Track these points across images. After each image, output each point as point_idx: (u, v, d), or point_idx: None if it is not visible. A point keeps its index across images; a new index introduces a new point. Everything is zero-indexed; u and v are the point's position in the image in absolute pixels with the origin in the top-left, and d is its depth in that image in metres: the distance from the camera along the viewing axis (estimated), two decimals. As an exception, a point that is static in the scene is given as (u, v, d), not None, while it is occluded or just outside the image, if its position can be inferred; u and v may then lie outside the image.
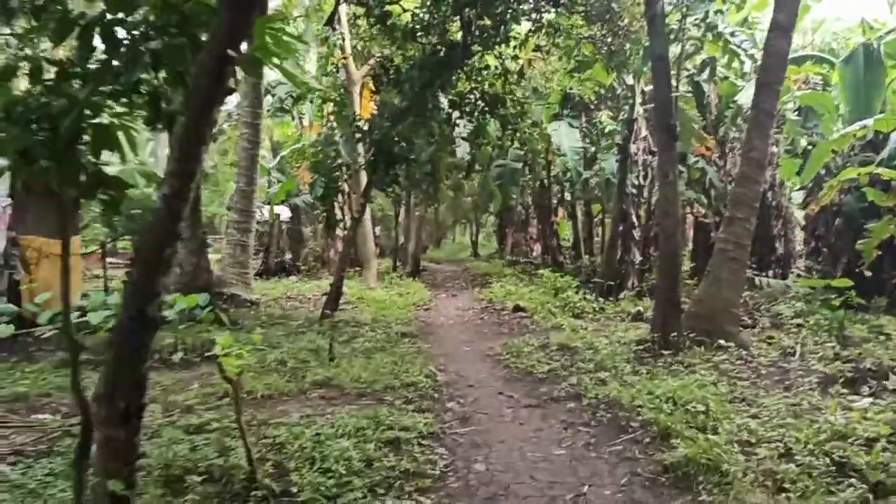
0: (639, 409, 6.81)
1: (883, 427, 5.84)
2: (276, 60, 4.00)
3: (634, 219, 17.45)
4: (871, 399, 7.22)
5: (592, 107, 22.11)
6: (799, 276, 20.58)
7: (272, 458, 5.56)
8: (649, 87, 18.17)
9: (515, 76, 14.66)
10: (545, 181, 25.63)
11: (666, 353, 9.97)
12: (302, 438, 5.80)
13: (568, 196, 27.86)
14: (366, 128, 13.22)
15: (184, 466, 5.15)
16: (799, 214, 21.67)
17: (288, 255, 27.27)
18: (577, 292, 17.28)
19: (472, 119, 14.96)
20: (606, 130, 20.64)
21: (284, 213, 28.62)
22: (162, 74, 3.90)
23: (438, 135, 21.75)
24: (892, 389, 7.65)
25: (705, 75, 18.52)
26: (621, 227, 17.35)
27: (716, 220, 20.41)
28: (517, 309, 16.08)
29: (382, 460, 5.51)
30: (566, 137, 20.98)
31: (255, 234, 28.56)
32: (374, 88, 14.90)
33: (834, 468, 5.23)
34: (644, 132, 17.82)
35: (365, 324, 13.17)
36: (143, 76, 3.87)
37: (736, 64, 19.84)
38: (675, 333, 10.28)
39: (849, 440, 5.67)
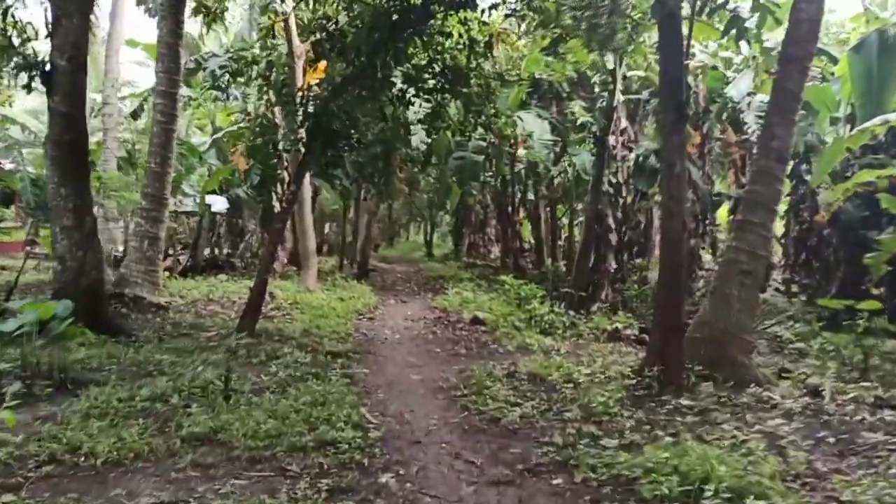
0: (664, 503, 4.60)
1: None
2: None
3: (611, 221, 15.37)
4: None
5: (564, 95, 20.00)
6: (777, 290, 18.81)
7: None
8: (632, 73, 16.14)
9: (482, 49, 12.38)
10: (506, 177, 23.47)
11: (667, 390, 7.84)
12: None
13: (531, 195, 25.76)
14: (301, 100, 10.82)
15: None
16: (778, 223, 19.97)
17: (226, 251, 24.65)
18: (542, 303, 15.16)
19: (429, 98, 12.66)
20: (579, 122, 18.50)
21: (220, 203, 25.92)
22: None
23: (391, 116, 19.48)
24: None
25: (699, 59, 16.54)
26: (596, 230, 15.24)
27: (705, 225, 18.58)
28: (476, 321, 13.85)
29: None
30: (535, 128, 18.84)
31: (188, 227, 26.05)
32: (314, 56, 12.47)
33: None
34: (624, 123, 15.75)
35: (291, 338, 10.78)
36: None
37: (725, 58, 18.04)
38: (677, 366, 8.16)
39: None
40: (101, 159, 20.79)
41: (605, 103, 15.48)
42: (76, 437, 5.42)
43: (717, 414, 6.96)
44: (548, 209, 26.19)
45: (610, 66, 15.36)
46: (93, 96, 21.08)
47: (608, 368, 9.18)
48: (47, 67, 9.53)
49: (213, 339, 10.37)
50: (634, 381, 8.29)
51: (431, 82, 12.42)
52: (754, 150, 14.77)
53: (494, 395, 7.65)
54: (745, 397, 7.61)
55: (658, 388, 7.89)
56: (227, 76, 18.85)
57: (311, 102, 10.72)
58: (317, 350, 10.08)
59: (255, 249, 22.78)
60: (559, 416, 6.99)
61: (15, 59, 9.48)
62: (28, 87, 9.59)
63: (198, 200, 23.56)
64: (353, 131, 10.58)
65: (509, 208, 24.51)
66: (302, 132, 11.82)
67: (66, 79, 9.46)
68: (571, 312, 14.06)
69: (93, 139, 21.55)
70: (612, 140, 15.36)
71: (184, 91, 24.74)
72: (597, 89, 18.79)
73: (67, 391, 6.94)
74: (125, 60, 40.14)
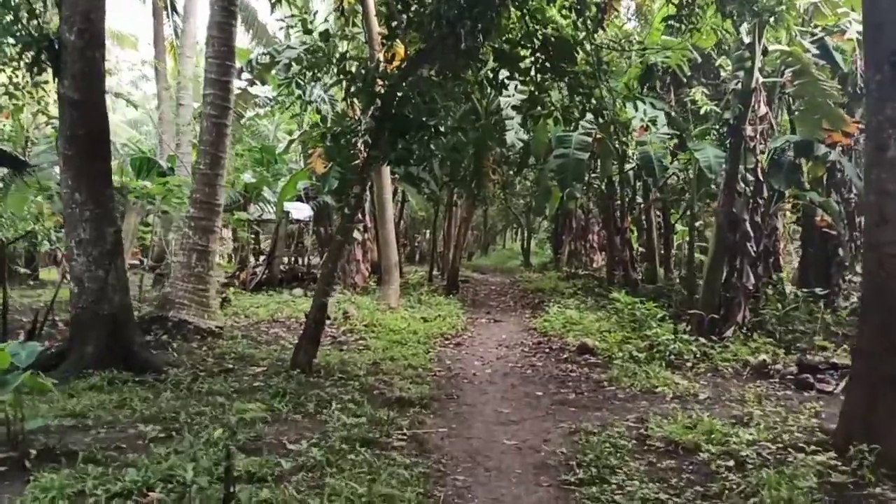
0: None
1: None
2: None
3: (748, 227, 12.59)
4: None
5: (684, 80, 17.32)
6: None
7: None
8: (773, 47, 13.31)
9: (595, 14, 9.97)
10: (613, 177, 20.81)
11: (886, 483, 5.24)
12: None
13: (639, 197, 22.97)
14: (366, 78, 8.70)
15: None
16: None
17: (310, 262, 23.06)
18: (662, 325, 12.59)
19: (526, 80, 10.36)
20: (702, 111, 15.76)
21: (304, 211, 24.34)
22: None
23: (480, 105, 17.19)
24: None
25: (849, 34, 13.57)
26: (730, 238, 12.49)
27: (854, 233, 15.48)
28: (584, 350, 11.42)
29: None
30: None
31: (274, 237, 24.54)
32: (385, 33, 10.34)
33: None
34: (763, 108, 12.96)
35: (355, 376, 8.67)
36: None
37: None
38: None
39: None
40: (176, 165, 19.49)
41: (740, 84, 12.72)
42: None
43: None
44: (659, 214, 23.37)
45: (747, 38, 12.61)
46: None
47: (779, 432, 6.61)
48: (55, 45, 7.76)
49: (260, 378, 8.37)
50: (826, 459, 5.69)
51: (529, 60, 10.14)
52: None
53: (623, 484, 5.26)
54: None
55: (872, 477, 5.29)
56: (303, 71, 17.04)
57: (379, 83, 8.60)
58: (384, 395, 7.93)
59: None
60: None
61: (17, 35, 7.73)
62: (33, 68, 7.81)
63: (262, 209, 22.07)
64: (429, 118, 8.37)
65: (617, 213, 21.85)
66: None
67: (76, 57, 7.69)
68: (701, 339, 11.42)
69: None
70: (749, 130, 12.61)
71: (264, 90, 23.45)
72: (724, 73, 16.03)
73: (25, 470, 5.01)
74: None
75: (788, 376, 9.58)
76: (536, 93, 10.62)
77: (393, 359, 10.12)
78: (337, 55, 9.96)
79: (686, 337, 11.37)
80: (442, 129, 8.48)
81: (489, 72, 10.48)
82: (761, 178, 12.81)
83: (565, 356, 11.22)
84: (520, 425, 7.12)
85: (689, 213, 18.55)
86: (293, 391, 7.70)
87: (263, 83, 19.72)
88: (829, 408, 7.91)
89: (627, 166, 19.47)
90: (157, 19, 24.46)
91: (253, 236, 23.61)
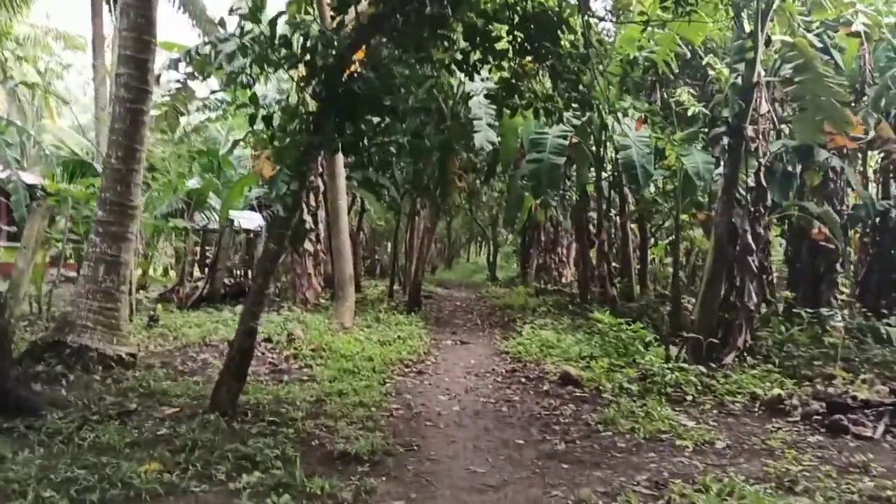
0: None
1: None
2: None
3: (750, 239, 11.12)
4: None
5: (672, 79, 15.99)
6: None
7: None
8: (777, 37, 11.91)
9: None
10: (587, 186, 19.32)
11: None
12: None
13: (614, 209, 21.57)
14: (308, 49, 6.98)
15: None
16: None
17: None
18: (649, 348, 11.11)
19: (501, 64, 8.76)
20: (690, 113, 14.37)
21: (251, 220, 22.43)
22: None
23: (447, 106, 15.60)
24: None
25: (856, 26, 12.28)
26: (734, 253, 11.01)
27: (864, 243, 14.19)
28: (567, 380, 9.80)
29: None
30: (632, 123, 14.82)
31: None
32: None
33: None
34: (765, 106, 11.55)
35: (290, 420, 6.89)
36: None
37: None
38: None
39: None
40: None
41: (740, 78, 11.29)
42: None
43: None
44: (635, 225, 22.00)
45: (748, 27, 11.21)
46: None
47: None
48: None
49: (167, 424, 6.55)
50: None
51: (506, 40, 8.58)
52: None
53: None
54: None
55: None
56: (250, 65, 15.22)
57: (323, 56, 6.90)
58: (324, 447, 6.19)
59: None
60: None
61: None
62: None
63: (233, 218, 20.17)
64: (384, 97, 6.69)
65: (591, 225, 20.37)
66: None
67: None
68: (699, 367, 9.88)
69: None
70: (750, 130, 11.17)
71: (216, 92, 21.60)
72: (711, 72, 14.65)
73: None
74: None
75: (814, 416, 8.04)
76: (513, 80, 9.05)
77: (342, 393, 8.36)
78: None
79: (684, 365, 9.83)
80: (399, 110, 6.77)
81: (459, 52, 8.84)
82: (763, 183, 11.38)
83: (545, 388, 9.57)
84: (500, 493, 5.42)
85: (671, 224, 17.13)
86: (206, 444, 5.92)
87: (206, 77, 17.84)
88: (878, 459, 6.40)
89: (605, 173, 18.02)
90: (98, 17, 22.67)
91: (197, 247, 21.70)
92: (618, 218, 20.75)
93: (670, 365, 9.82)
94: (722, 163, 13.10)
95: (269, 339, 11.69)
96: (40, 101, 30.99)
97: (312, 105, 7.82)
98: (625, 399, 8.66)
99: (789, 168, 13.95)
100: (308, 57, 7.05)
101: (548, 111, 9.10)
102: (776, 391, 8.94)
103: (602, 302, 17.10)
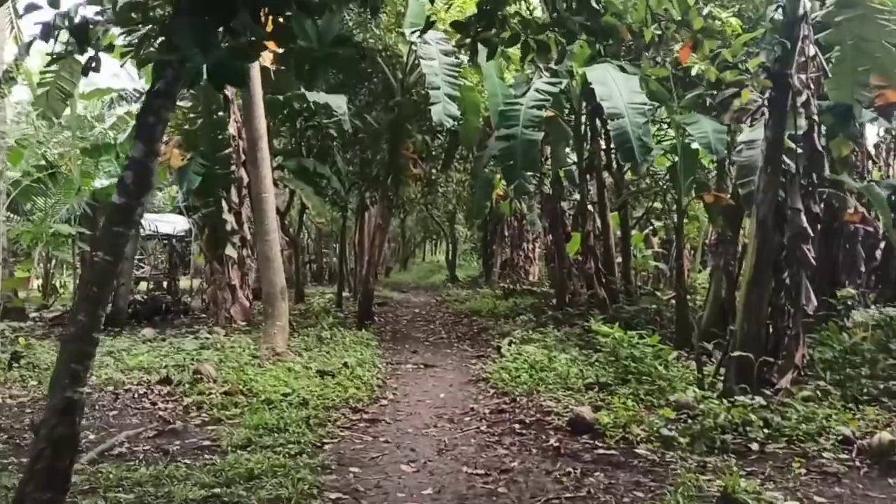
0: None
1: None
2: None
3: (804, 220, 8.41)
4: None
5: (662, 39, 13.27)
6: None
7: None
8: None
9: None
10: (561, 172, 16.57)
11: None
12: None
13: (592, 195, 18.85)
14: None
15: None
16: None
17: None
18: (666, 367, 8.46)
19: None
20: (693, 73, 11.67)
21: (173, 224, 19.06)
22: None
23: (395, 79, 12.76)
24: None
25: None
26: (782, 240, 8.31)
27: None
28: (581, 427, 6.96)
29: None
30: (622, 88, 12.08)
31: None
32: None
33: None
34: (812, 48, 8.87)
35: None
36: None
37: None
38: None
39: None
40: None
41: (782, 12, 8.58)
42: None
43: None
44: (620, 215, 19.31)
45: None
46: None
47: None
48: None
49: None
50: None
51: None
52: None
53: None
54: None
55: None
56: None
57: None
58: None
59: (204, 290, 15.83)
60: None
61: None
62: None
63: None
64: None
65: (566, 215, 17.69)
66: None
67: None
68: (757, 398, 7.17)
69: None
70: (796, 80, 8.48)
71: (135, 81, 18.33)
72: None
73: None
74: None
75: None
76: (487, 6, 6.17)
77: (252, 476, 5.39)
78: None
79: (740, 398, 7.11)
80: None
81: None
82: (818, 146, 8.70)
83: (553, 442, 6.68)
84: None
85: (672, 209, 14.50)
86: None
87: (102, 51, 14.59)
88: None
89: (585, 154, 15.27)
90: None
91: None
92: (596, 206, 18.04)
93: (719, 401, 7.10)
94: (744, 128, 10.53)
95: (166, 381, 8.62)
96: None
97: None
98: (662, 452, 5.91)
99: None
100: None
101: (541, 45, 6.20)
102: (884, 435, 6.25)
103: (589, 305, 14.39)
